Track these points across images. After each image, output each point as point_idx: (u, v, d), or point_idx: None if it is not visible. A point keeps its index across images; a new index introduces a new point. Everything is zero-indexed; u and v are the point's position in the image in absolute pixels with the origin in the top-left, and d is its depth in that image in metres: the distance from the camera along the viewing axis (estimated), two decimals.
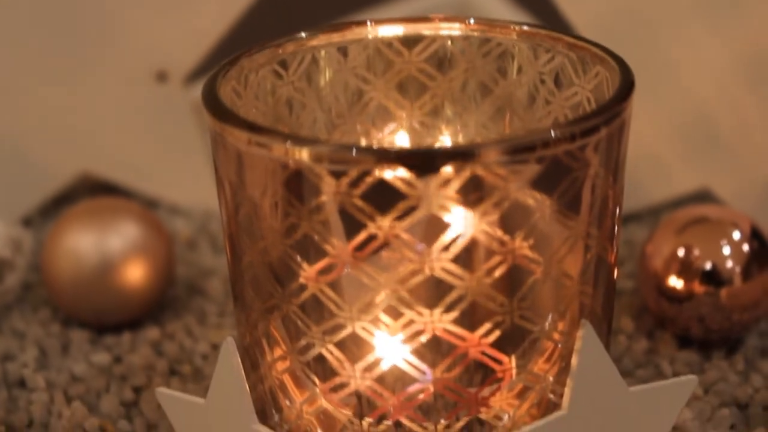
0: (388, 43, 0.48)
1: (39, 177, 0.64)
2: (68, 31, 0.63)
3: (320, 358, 0.43)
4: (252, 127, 0.41)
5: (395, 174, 0.39)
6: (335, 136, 0.48)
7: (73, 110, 0.64)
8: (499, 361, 0.42)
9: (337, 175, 0.40)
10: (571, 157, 0.40)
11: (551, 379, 0.43)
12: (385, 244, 0.40)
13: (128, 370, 0.52)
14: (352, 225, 0.40)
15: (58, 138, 0.64)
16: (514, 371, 0.43)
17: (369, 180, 0.39)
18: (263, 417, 0.44)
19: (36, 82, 0.63)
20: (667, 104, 0.61)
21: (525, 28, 0.47)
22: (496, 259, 0.40)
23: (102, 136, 0.64)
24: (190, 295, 0.58)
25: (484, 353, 0.41)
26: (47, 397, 0.51)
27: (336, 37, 0.48)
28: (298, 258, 0.41)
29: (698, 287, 0.51)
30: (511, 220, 0.41)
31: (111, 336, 0.55)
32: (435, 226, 0.40)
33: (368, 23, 0.48)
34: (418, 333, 0.41)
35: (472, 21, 0.48)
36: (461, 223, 0.40)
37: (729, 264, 0.51)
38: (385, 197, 0.40)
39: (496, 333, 0.41)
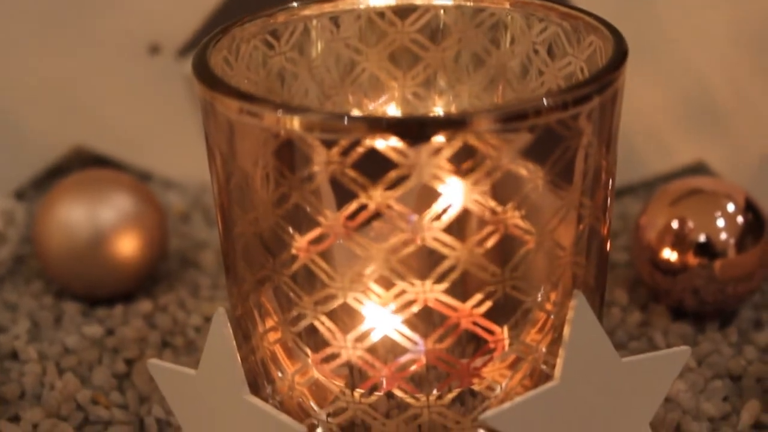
0: (381, 13, 0.48)
1: (32, 150, 0.63)
2: (61, 3, 0.62)
3: (312, 329, 0.42)
4: (243, 96, 0.41)
5: (387, 143, 0.39)
6: (327, 107, 0.48)
7: (65, 83, 0.63)
8: (491, 332, 0.42)
9: (329, 144, 0.39)
10: (564, 126, 0.40)
11: (543, 350, 0.43)
12: (377, 214, 0.40)
13: (120, 342, 0.52)
14: (343, 195, 0.40)
15: (51, 111, 0.63)
16: (506, 342, 0.42)
17: (360, 149, 0.39)
18: (255, 388, 0.44)
19: (29, 54, 0.63)
20: (663, 77, 0.60)
21: None
22: (488, 228, 0.40)
23: (95, 109, 0.64)
24: (183, 267, 0.58)
25: (476, 324, 0.41)
26: (39, 369, 0.51)
27: (328, 7, 0.48)
28: (290, 228, 0.41)
29: (692, 259, 0.51)
30: (503, 190, 0.40)
31: (103, 308, 0.55)
32: (427, 196, 0.40)
33: None
34: (410, 303, 0.41)
35: None
36: (453, 192, 0.40)
37: (723, 236, 0.51)
38: (376, 167, 0.40)
39: (488, 303, 0.41)
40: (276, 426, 0.41)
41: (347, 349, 0.42)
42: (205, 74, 0.42)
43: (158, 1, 0.63)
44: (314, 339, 0.43)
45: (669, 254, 0.51)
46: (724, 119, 0.60)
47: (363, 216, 0.40)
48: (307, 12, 0.47)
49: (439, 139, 0.39)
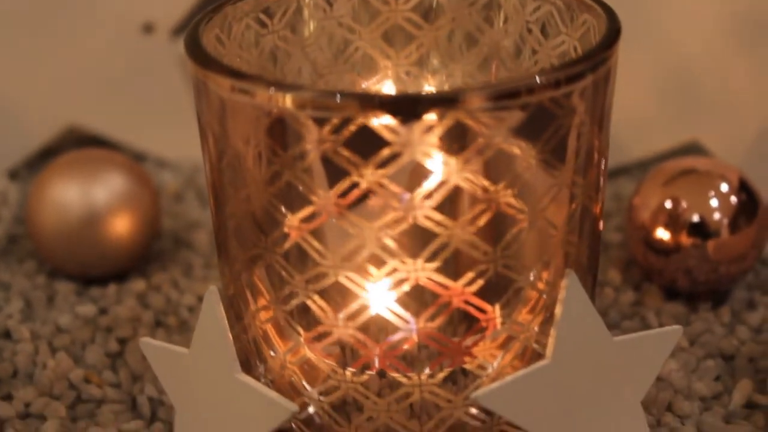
0: None
1: (25, 130, 0.63)
2: None
3: (304, 308, 0.42)
4: (235, 74, 0.40)
5: (379, 121, 0.39)
6: (320, 86, 0.48)
7: (59, 62, 0.63)
8: (482, 311, 0.42)
9: (321, 122, 0.39)
10: (556, 104, 0.40)
11: (535, 329, 0.43)
12: (369, 192, 0.40)
13: (114, 321, 0.52)
14: (335, 173, 0.40)
15: (44, 91, 0.63)
16: (498, 321, 0.42)
17: (352, 127, 0.39)
18: (247, 367, 0.43)
19: (22, 34, 0.63)
20: (657, 57, 0.60)
21: None
22: (480, 207, 0.40)
23: (89, 88, 0.64)
24: (177, 247, 0.58)
25: (467, 302, 0.41)
26: (32, 348, 0.51)
27: None
28: (282, 207, 0.41)
29: (685, 239, 0.51)
30: (495, 169, 0.40)
31: (97, 288, 0.55)
32: (418, 174, 0.40)
33: None
34: (401, 282, 0.41)
35: None
36: (445, 170, 0.40)
37: (716, 216, 0.51)
38: (368, 145, 0.40)
39: (480, 282, 0.41)
40: (267, 404, 0.41)
41: (339, 327, 0.41)
42: (197, 52, 0.42)
43: None
44: (306, 318, 0.43)
45: (662, 234, 0.51)
46: (717, 99, 0.59)
47: (355, 194, 0.40)
48: None
49: (431, 117, 0.39)
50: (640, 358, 0.43)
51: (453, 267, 0.41)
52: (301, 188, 0.41)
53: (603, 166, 0.43)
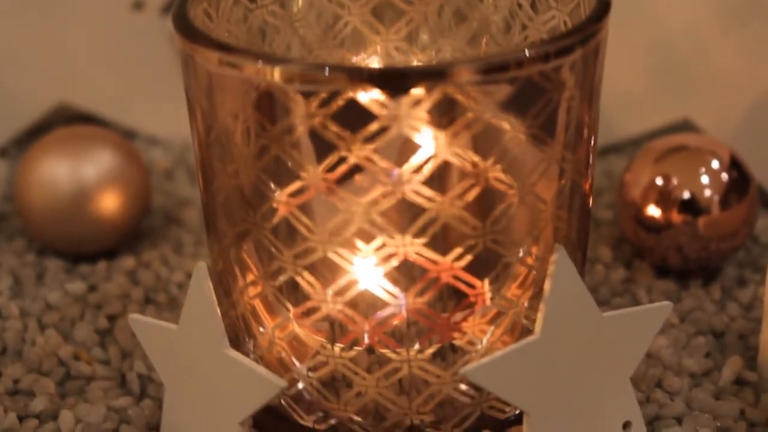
0: None
1: (14, 108, 0.63)
2: None
3: (293, 285, 0.42)
4: (222, 47, 0.40)
5: (367, 95, 0.39)
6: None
7: (48, 40, 0.63)
8: (471, 286, 0.42)
9: (309, 95, 0.39)
10: (546, 78, 0.40)
11: (525, 304, 0.43)
12: (356, 167, 0.40)
13: (103, 298, 0.52)
14: (323, 148, 0.40)
15: (33, 68, 0.63)
16: (487, 296, 0.42)
17: (340, 101, 0.39)
18: (236, 344, 0.43)
19: (11, 12, 0.62)
20: (648, 35, 0.60)
21: None
22: (469, 181, 0.40)
23: (79, 66, 0.63)
24: (167, 224, 0.57)
25: (456, 278, 0.41)
26: (21, 325, 0.50)
27: None
28: (270, 182, 0.41)
29: (676, 216, 0.51)
30: (484, 143, 0.40)
31: (86, 265, 0.54)
32: (406, 148, 0.40)
33: None
34: (390, 257, 0.41)
35: None
36: (433, 144, 0.39)
37: (707, 193, 0.51)
38: (357, 120, 0.39)
39: (468, 257, 0.41)
40: (256, 380, 0.41)
41: (327, 303, 0.41)
42: (184, 26, 0.42)
43: None
44: (295, 294, 0.42)
45: (653, 211, 0.51)
46: (709, 76, 0.59)
47: (342, 169, 0.40)
48: None
49: (419, 90, 0.38)
50: (629, 334, 0.42)
51: (442, 242, 0.41)
52: (289, 163, 0.40)
53: (593, 142, 0.43)
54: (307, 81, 0.39)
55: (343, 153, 0.39)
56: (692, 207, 0.51)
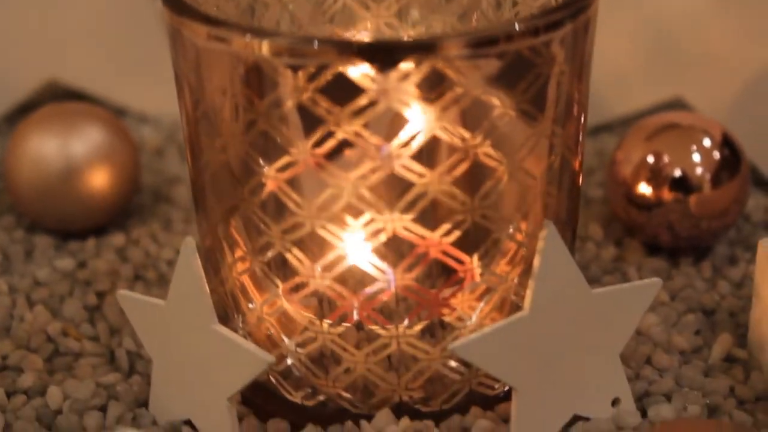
0: None
1: (4, 85, 0.63)
2: None
3: (281, 260, 0.42)
4: (210, 20, 0.40)
5: (355, 68, 0.38)
6: None
7: (38, 17, 0.62)
8: (460, 262, 0.41)
9: (297, 69, 0.39)
10: (535, 52, 0.39)
11: (514, 280, 0.42)
12: (344, 141, 0.39)
13: (92, 275, 0.52)
14: (312, 122, 0.40)
15: (24, 45, 0.63)
16: (476, 272, 0.42)
17: (329, 75, 0.39)
18: (225, 320, 0.43)
19: None
20: (640, 13, 0.60)
21: None
22: (457, 156, 0.40)
23: (69, 43, 0.63)
24: (156, 202, 0.57)
25: (445, 253, 0.41)
26: (9, 302, 0.50)
27: None
28: (258, 157, 0.41)
29: (667, 194, 0.51)
30: (473, 118, 0.40)
31: (75, 242, 0.54)
32: (395, 123, 0.39)
33: None
34: (378, 232, 0.40)
35: None
36: (422, 119, 0.39)
37: (699, 171, 0.51)
38: (345, 94, 0.39)
39: (457, 233, 0.41)
40: (244, 356, 0.41)
41: (316, 278, 0.41)
42: (172, 0, 0.41)
43: None
44: (283, 270, 0.42)
45: (644, 189, 0.51)
46: (701, 55, 0.59)
47: (331, 144, 0.40)
48: None
49: (407, 64, 0.38)
50: (618, 311, 0.42)
51: (431, 218, 0.41)
52: (277, 138, 0.40)
53: (583, 119, 0.43)
54: (296, 54, 0.39)
55: (332, 127, 0.39)
56: (683, 185, 0.51)
